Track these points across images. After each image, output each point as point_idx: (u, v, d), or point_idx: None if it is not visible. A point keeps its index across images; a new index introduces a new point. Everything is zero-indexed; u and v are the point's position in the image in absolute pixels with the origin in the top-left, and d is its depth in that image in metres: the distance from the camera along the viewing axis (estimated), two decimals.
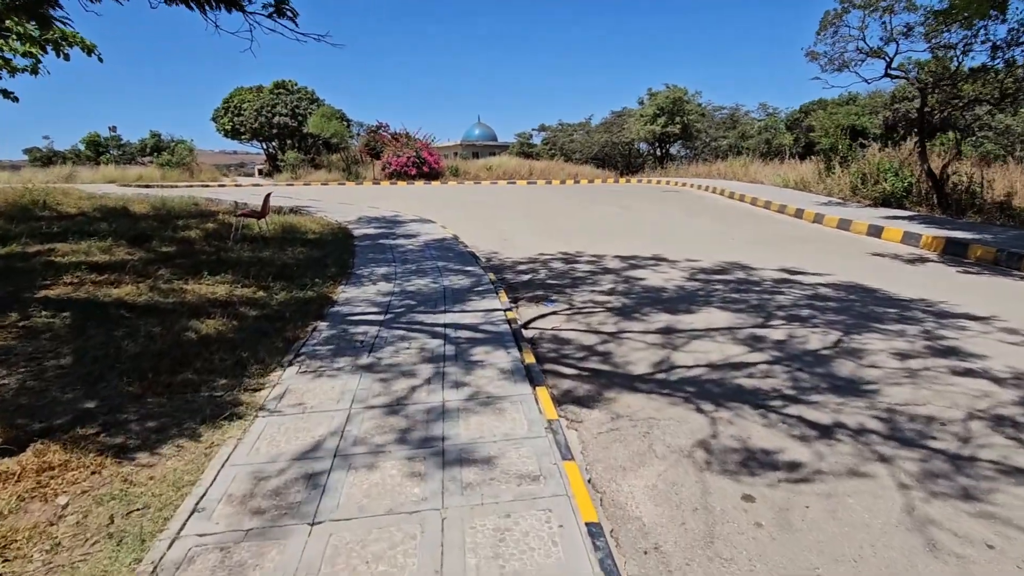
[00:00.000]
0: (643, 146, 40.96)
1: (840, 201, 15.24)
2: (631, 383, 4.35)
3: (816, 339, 5.24)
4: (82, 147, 56.04)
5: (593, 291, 7.07)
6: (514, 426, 3.30)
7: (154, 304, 5.59)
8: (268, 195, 9.40)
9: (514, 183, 29.85)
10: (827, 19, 12.61)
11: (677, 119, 30.93)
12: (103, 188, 20.53)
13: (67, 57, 9.50)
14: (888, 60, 12.75)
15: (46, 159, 50.92)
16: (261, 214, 9.22)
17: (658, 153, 36.16)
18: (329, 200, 18.90)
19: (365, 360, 4.32)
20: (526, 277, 7.86)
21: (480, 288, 6.71)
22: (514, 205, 17.12)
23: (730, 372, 4.53)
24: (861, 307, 6.27)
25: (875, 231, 10.75)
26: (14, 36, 9.99)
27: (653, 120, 31.54)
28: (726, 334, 5.43)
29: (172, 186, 26.42)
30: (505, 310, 5.78)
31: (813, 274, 7.82)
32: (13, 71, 11.39)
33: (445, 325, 5.22)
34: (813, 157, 25.65)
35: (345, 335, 4.95)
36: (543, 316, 6.10)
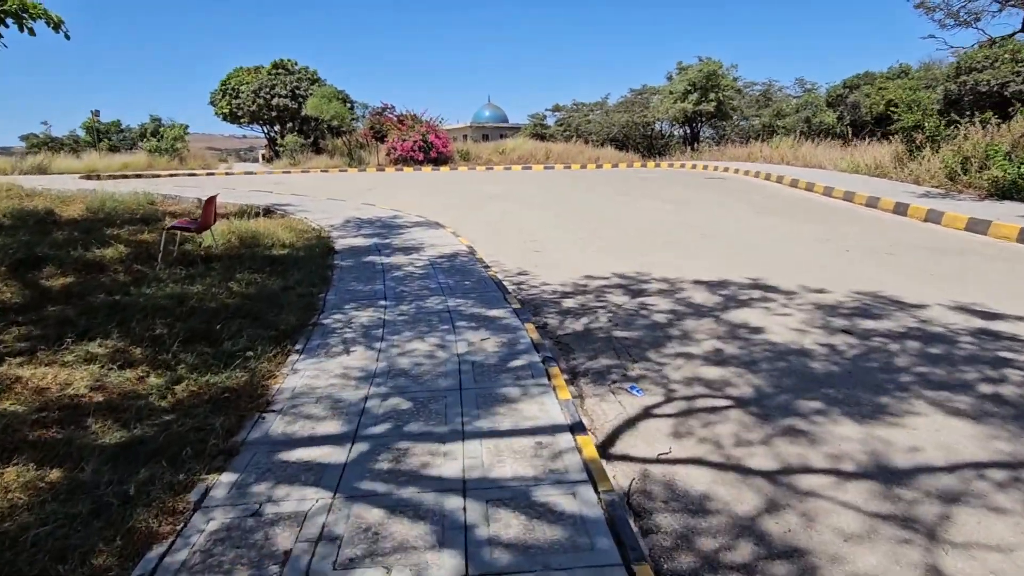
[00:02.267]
0: (666, 126, 37.92)
1: (941, 192, 12.41)
2: None
3: None
4: (82, 133, 53.93)
5: (691, 355, 4.46)
6: None
7: None
8: (212, 199, 6.79)
9: (530, 168, 27.11)
10: None
11: (711, 96, 27.87)
12: (59, 181, 18.01)
13: (32, 32, 7.84)
14: None
15: (43, 145, 48.82)
16: (201, 225, 6.63)
17: (688, 134, 33.13)
18: (320, 193, 16.31)
19: None
20: (579, 323, 5.26)
21: (518, 361, 4.10)
22: (538, 199, 14.42)
23: None
24: None
25: None
26: None
27: (684, 97, 28.50)
28: (1007, 486, 2.81)
29: (155, 175, 23.94)
30: (571, 427, 3.18)
31: (1018, 319, 5.14)
32: None
33: (466, 485, 2.62)
34: (861, 138, 22.71)
35: (256, 525, 2.37)
36: (630, 422, 3.51)
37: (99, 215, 9.57)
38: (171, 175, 24.26)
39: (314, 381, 3.78)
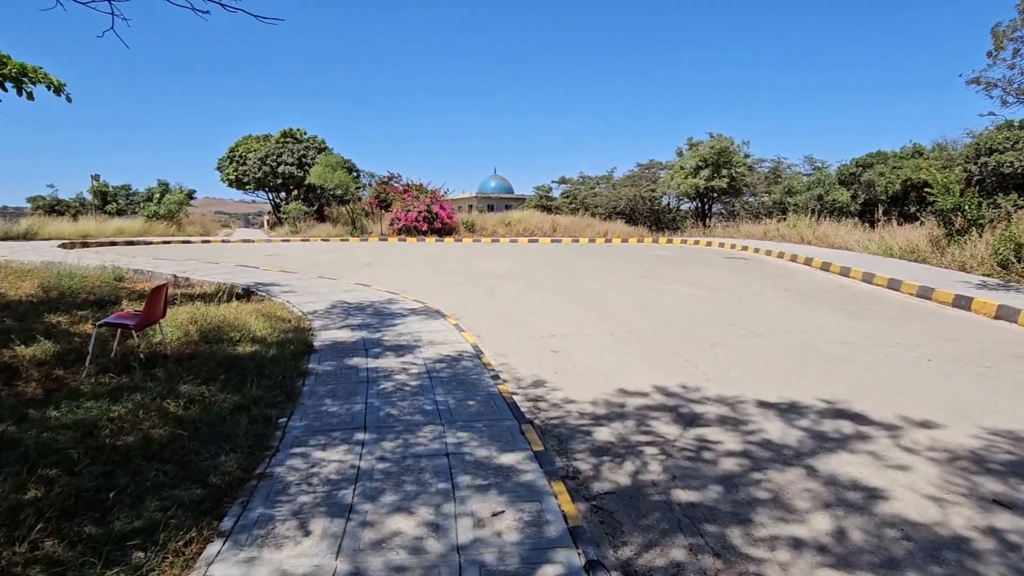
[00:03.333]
0: (673, 200, 37.48)
1: (999, 283, 11.19)
2: None
3: None
4: (88, 196, 54.04)
5: (797, 541, 3.06)
6: None
7: None
8: (162, 288, 5.55)
9: (536, 241, 26.26)
10: (1004, 33, 8.93)
11: (724, 172, 27.31)
12: (36, 249, 17.02)
13: (31, 96, 7.16)
14: None
15: (49, 208, 48.83)
16: (143, 322, 5.35)
17: (700, 209, 32.50)
18: (313, 268, 15.20)
19: None
20: (623, 472, 3.88)
21: (550, 568, 2.71)
22: (549, 279, 13.22)
23: None
24: None
25: None
26: None
27: (695, 173, 27.95)
28: None
29: (147, 242, 23.07)
30: None
31: None
32: None
33: None
34: (886, 217, 21.91)
35: None
36: None
37: (51, 294, 8.35)
38: (164, 242, 23.38)
39: None
